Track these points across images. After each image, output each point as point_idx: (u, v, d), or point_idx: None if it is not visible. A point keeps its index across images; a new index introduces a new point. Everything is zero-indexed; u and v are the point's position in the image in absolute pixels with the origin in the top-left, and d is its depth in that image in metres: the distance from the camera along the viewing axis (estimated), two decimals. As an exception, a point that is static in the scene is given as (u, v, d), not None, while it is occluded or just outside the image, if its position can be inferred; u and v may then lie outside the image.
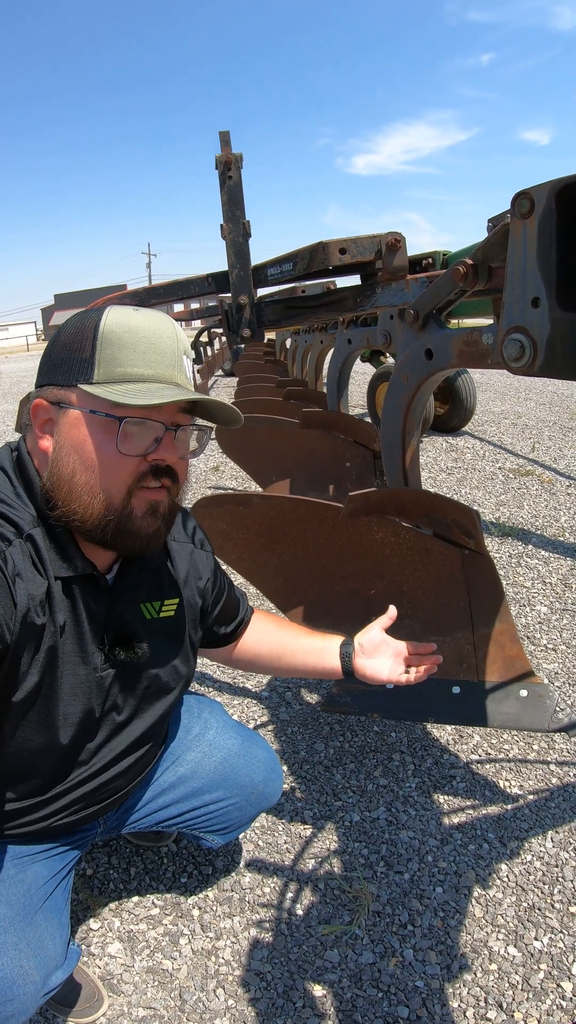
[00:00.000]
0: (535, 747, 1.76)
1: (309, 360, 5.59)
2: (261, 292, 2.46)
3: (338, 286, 2.67)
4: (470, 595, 1.56)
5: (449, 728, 1.84)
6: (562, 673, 2.11)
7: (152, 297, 2.51)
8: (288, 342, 7.03)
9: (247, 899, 1.37)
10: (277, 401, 3.36)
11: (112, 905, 1.36)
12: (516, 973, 1.19)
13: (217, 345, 12.17)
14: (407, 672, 1.22)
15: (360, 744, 1.81)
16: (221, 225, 2.17)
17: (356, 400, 7.43)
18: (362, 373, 9.68)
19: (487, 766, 1.70)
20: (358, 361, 5.16)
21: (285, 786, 1.64)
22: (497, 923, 1.28)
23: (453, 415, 5.64)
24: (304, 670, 1.28)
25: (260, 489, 3.27)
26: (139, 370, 0.82)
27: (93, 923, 1.32)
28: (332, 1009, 1.14)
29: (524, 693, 1.55)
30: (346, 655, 1.23)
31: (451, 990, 1.16)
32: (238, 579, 2.55)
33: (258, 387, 4.10)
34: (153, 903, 1.37)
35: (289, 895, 1.37)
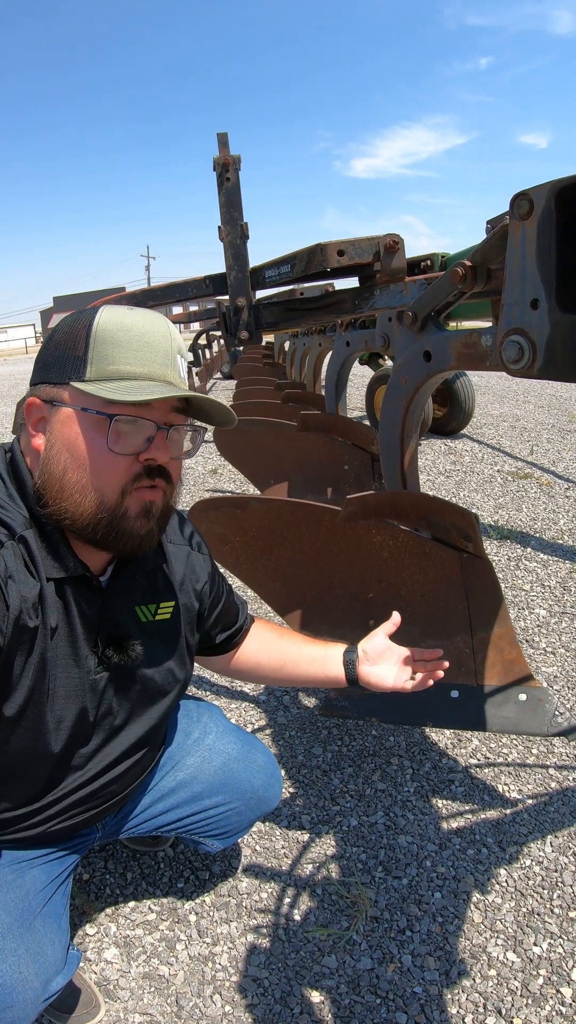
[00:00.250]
0: (534, 751, 1.76)
1: (308, 363, 5.59)
2: (260, 294, 2.46)
3: (336, 288, 2.67)
4: (469, 598, 1.56)
5: (448, 732, 1.84)
6: (561, 677, 2.10)
7: (150, 299, 2.51)
8: (287, 345, 7.03)
9: (244, 904, 1.36)
10: (275, 403, 3.36)
11: (109, 910, 1.36)
12: (515, 979, 1.18)
13: (216, 348, 12.17)
14: (412, 678, 1.20)
15: (358, 748, 1.80)
16: (219, 227, 2.17)
17: (355, 403, 7.43)
18: (361, 376, 9.69)
19: (486, 770, 1.70)
20: (357, 364, 5.16)
21: (283, 791, 1.63)
22: (496, 928, 1.27)
23: (452, 418, 5.64)
24: (306, 679, 1.25)
25: (258, 492, 3.26)
26: (132, 368, 0.81)
27: (89, 928, 1.31)
28: (330, 1015, 1.14)
29: (523, 697, 1.55)
30: (350, 663, 1.21)
31: (450, 996, 1.16)
32: (237, 584, 2.54)
33: (256, 390, 4.10)
34: (150, 908, 1.36)
35: (287, 900, 1.36)
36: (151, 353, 0.83)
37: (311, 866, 1.44)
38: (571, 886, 1.35)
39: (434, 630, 1.59)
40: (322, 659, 1.23)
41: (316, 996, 1.17)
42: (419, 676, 1.20)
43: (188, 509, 1.60)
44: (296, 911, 1.33)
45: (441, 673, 1.19)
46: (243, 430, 3.02)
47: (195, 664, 1.18)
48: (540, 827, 1.51)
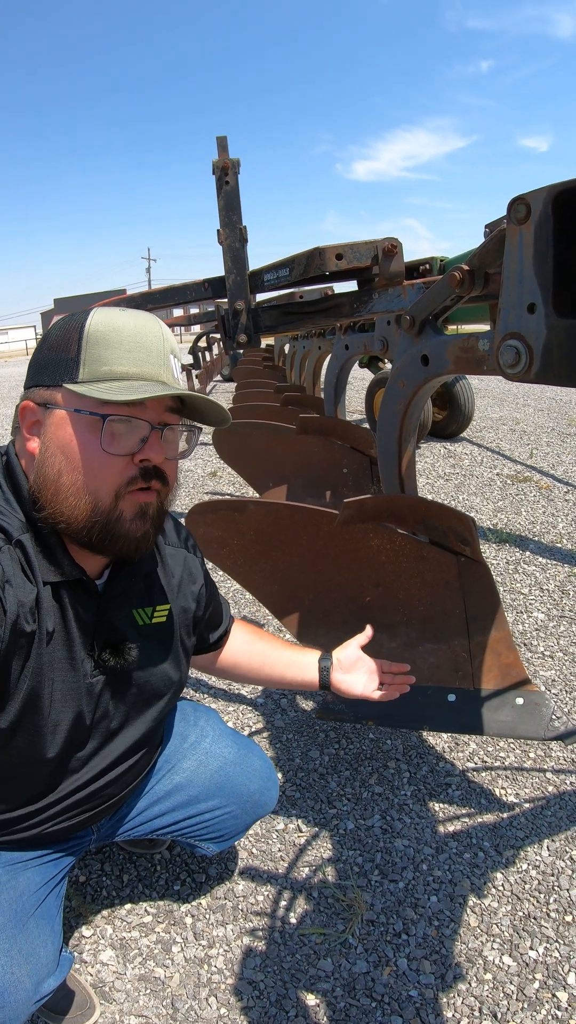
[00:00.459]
0: (531, 755, 1.76)
1: (307, 366, 5.60)
2: (260, 297, 2.46)
3: (336, 292, 2.68)
4: (466, 602, 1.55)
5: (445, 736, 1.84)
6: (559, 680, 2.10)
7: (148, 302, 2.51)
8: (286, 348, 7.04)
9: (240, 907, 1.36)
10: (274, 406, 3.36)
11: (105, 912, 1.35)
12: (511, 983, 1.18)
13: (216, 350, 12.16)
14: (380, 689, 1.30)
15: (355, 751, 1.80)
16: (218, 230, 2.17)
17: (355, 406, 7.44)
18: (360, 379, 9.70)
19: (483, 774, 1.70)
20: (356, 367, 5.16)
21: (279, 794, 1.63)
22: (492, 932, 1.27)
23: (451, 421, 5.65)
24: (282, 681, 1.33)
25: (257, 495, 3.26)
26: (124, 368, 0.81)
27: (85, 930, 1.31)
28: (325, 1018, 1.13)
29: (520, 701, 1.54)
30: (324, 669, 1.30)
31: (445, 1000, 1.15)
32: (232, 586, 2.54)
33: (256, 392, 4.10)
34: (146, 910, 1.36)
35: (283, 903, 1.36)
36: (143, 353, 0.83)
37: (307, 869, 1.43)
38: (567, 890, 1.35)
39: (431, 634, 1.59)
40: (299, 664, 1.31)
41: (311, 999, 1.17)
42: (387, 687, 1.30)
43: (187, 511, 1.60)
44: (292, 914, 1.33)
45: (407, 688, 1.31)
46: (242, 433, 3.02)
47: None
48: (537, 831, 1.51)
